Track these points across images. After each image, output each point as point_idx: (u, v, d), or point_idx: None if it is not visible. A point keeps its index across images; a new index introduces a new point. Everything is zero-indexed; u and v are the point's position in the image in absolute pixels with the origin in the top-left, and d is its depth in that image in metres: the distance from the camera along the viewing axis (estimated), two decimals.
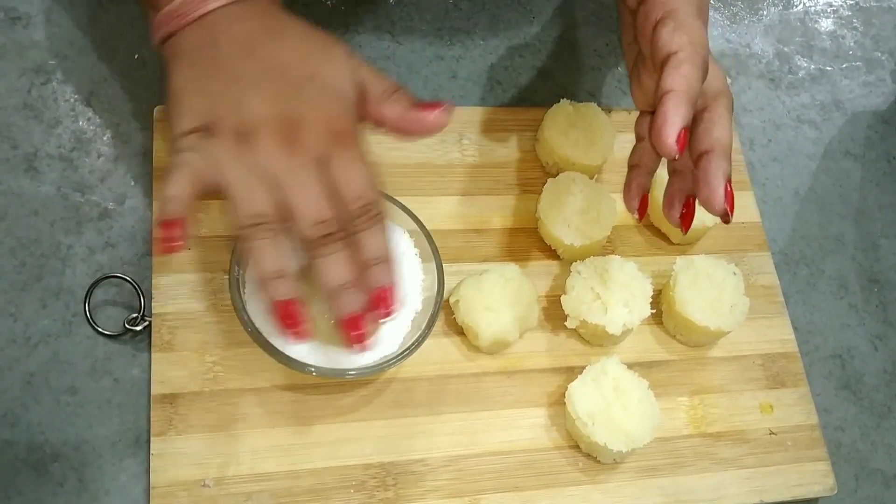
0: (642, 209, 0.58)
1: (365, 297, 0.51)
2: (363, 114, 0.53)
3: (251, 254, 0.50)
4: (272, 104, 0.49)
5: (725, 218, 0.52)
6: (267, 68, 0.50)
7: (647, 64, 0.54)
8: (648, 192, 0.57)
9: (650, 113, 0.53)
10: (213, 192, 0.50)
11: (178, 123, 0.51)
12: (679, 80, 0.49)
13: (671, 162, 0.56)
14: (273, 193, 0.49)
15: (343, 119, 0.51)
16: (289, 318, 0.51)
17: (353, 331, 0.52)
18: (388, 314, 0.52)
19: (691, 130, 0.51)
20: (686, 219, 0.56)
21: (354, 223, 0.50)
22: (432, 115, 0.53)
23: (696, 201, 0.54)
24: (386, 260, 0.52)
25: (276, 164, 0.49)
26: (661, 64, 0.50)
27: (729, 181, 0.52)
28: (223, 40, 0.51)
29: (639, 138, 0.57)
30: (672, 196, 0.56)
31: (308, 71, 0.51)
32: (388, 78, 0.53)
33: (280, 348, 0.54)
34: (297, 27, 0.53)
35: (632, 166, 0.58)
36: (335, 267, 0.50)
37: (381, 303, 0.52)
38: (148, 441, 0.55)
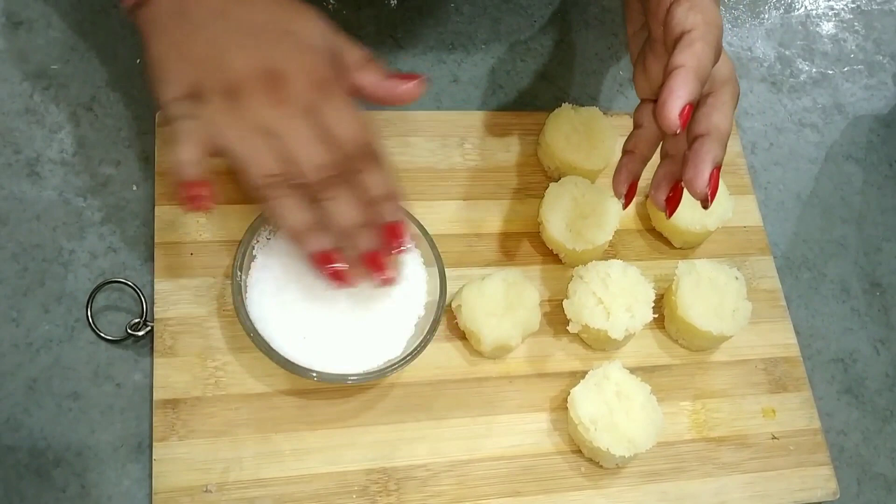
0: (629, 196, 0.57)
1: (377, 235, 0.53)
2: (340, 79, 0.53)
3: (275, 212, 0.51)
4: (253, 60, 0.50)
5: (705, 203, 0.51)
6: (241, 28, 0.51)
7: (655, 49, 0.54)
8: (637, 180, 0.57)
9: (652, 101, 0.53)
10: (218, 154, 0.51)
11: (164, 91, 0.51)
12: (690, 57, 0.49)
13: (665, 145, 0.56)
14: (274, 146, 0.50)
15: (323, 68, 0.51)
16: (329, 265, 0.52)
17: (374, 268, 0.53)
18: (400, 247, 0.53)
19: (692, 112, 0.51)
20: (672, 203, 0.55)
21: (353, 164, 0.51)
22: (409, 84, 0.54)
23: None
24: (390, 196, 0.53)
25: (268, 117, 0.50)
26: (673, 42, 0.50)
27: (717, 168, 0.51)
28: (192, 7, 0.51)
29: (637, 125, 0.57)
30: (660, 179, 0.55)
31: (282, 27, 0.52)
32: (361, 47, 0.54)
33: (282, 353, 0.54)
34: None
35: (626, 151, 0.57)
36: (344, 208, 0.51)
37: (392, 237, 0.53)
38: (150, 446, 0.55)
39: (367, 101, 0.54)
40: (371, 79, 0.54)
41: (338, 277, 0.53)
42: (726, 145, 0.52)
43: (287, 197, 0.51)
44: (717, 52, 0.51)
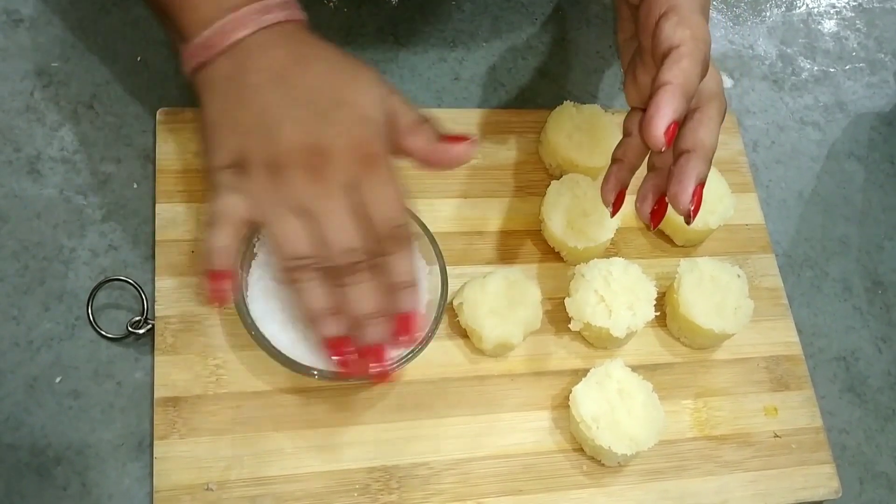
0: (617, 204, 0.57)
1: (389, 327, 0.52)
2: (391, 143, 0.52)
3: (298, 294, 0.51)
4: (300, 134, 0.49)
5: (688, 219, 0.51)
6: (295, 97, 0.50)
7: (645, 59, 0.54)
8: (626, 188, 0.56)
9: (642, 110, 0.52)
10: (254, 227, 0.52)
11: (212, 158, 0.51)
12: (677, 74, 0.49)
13: (652, 158, 0.55)
14: (308, 227, 0.50)
15: (371, 143, 0.50)
16: (340, 353, 0.52)
17: (375, 361, 0.53)
18: (410, 340, 0.54)
19: (679, 127, 0.51)
20: (656, 216, 0.55)
21: (383, 245, 0.51)
22: (459, 148, 0.53)
23: None
24: (412, 285, 0.52)
25: (305, 195, 0.49)
26: (661, 57, 0.50)
27: (701, 185, 0.51)
28: (251, 71, 0.51)
29: (626, 133, 0.56)
30: (646, 191, 0.55)
31: (337, 96, 0.51)
32: (416, 108, 0.54)
33: (283, 351, 0.54)
34: (326, 52, 0.53)
35: (615, 159, 0.57)
36: (363, 297, 0.51)
37: (404, 327, 0.53)
38: (151, 445, 0.55)
39: (417, 163, 0.53)
40: (422, 143, 0.53)
41: (344, 365, 0.52)
42: (711, 161, 0.52)
43: (311, 280, 0.50)
44: (704, 69, 0.51)
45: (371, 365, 0.53)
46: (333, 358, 0.52)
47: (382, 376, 0.54)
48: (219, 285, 0.51)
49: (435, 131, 0.53)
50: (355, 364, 0.52)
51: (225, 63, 0.51)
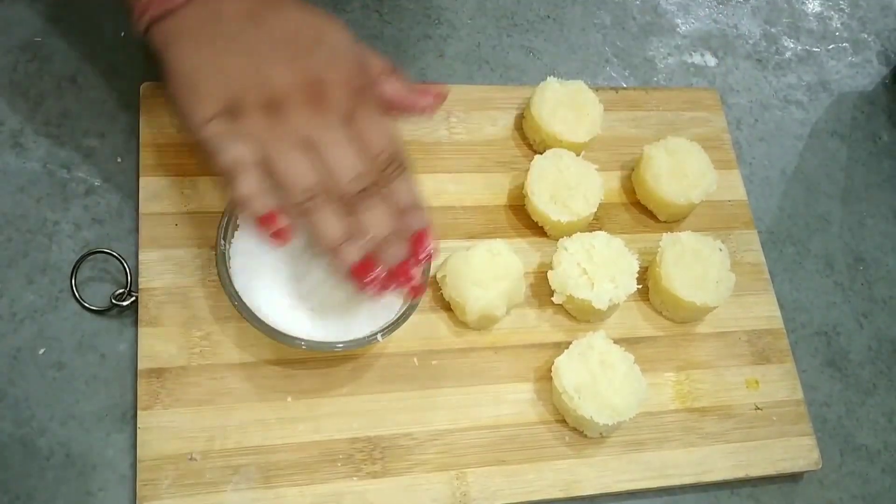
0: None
1: (406, 245, 0.53)
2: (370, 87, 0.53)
3: (313, 228, 0.51)
4: (293, 71, 0.50)
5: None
6: (277, 37, 0.51)
7: None
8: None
9: None
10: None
11: (197, 111, 0.50)
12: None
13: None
14: (313, 159, 0.50)
15: (360, 76, 0.52)
16: (367, 274, 0.52)
17: (404, 279, 0.53)
18: (427, 256, 0.54)
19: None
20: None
21: (384, 174, 0.52)
22: (430, 97, 0.56)
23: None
24: (418, 205, 0.53)
25: (307, 129, 0.50)
26: None
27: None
28: (226, 16, 0.50)
29: None
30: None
31: (314, 34, 0.51)
32: (383, 58, 0.55)
33: (269, 322, 0.54)
34: None
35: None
36: (378, 220, 0.51)
37: (420, 245, 0.53)
38: (135, 416, 0.55)
39: (388, 109, 0.54)
40: (395, 88, 0.55)
41: (376, 286, 0.52)
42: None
43: (326, 211, 0.51)
44: None
45: (404, 283, 0.53)
46: (365, 283, 0.52)
47: (418, 290, 0.55)
48: (274, 226, 0.51)
49: (405, 79, 0.55)
50: (385, 282, 0.53)
51: (193, 12, 0.50)
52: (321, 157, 0.50)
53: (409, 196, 0.53)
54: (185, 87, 0.51)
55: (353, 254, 0.51)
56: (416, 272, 0.54)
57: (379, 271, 0.52)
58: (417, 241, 0.53)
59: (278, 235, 0.51)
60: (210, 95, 0.50)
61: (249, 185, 0.50)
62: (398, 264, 0.53)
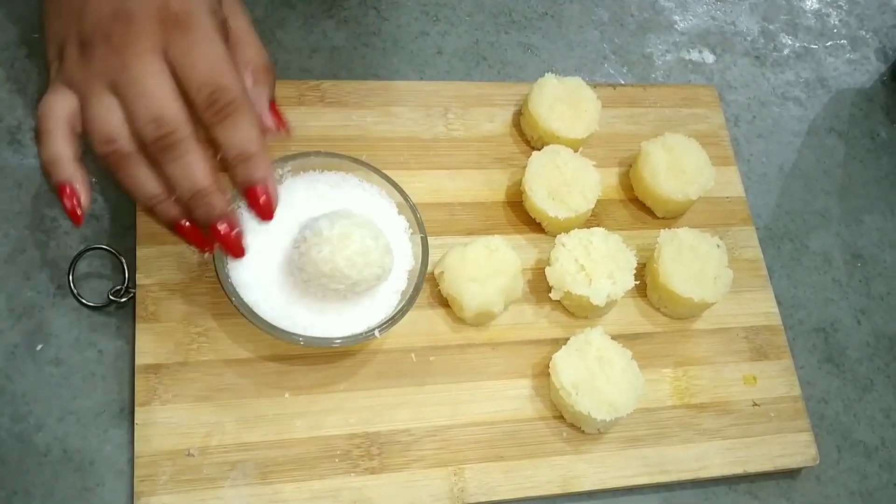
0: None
1: (225, 200, 0.47)
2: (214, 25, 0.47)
3: (123, 184, 0.46)
4: (106, 4, 0.45)
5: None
6: None
7: None
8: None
9: None
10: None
11: (47, 54, 0.48)
12: None
13: None
14: (117, 106, 0.45)
15: (178, 2, 0.45)
16: (194, 237, 0.48)
17: (226, 244, 0.49)
18: (267, 215, 0.48)
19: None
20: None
21: (204, 119, 0.46)
22: (275, 122, 0.51)
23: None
24: (251, 154, 0.47)
25: (109, 68, 0.45)
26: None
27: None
28: None
29: None
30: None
31: None
32: (259, 42, 0.50)
33: (267, 318, 0.54)
34: None
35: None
36: (185, 173, 0.46)
37: (255, 201, 0.48)
38: (132, 412, 0.55)
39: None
40: (253, 92, 0.49)
41: (206, 248, 0.49)
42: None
43: (131, 167, 0.46)
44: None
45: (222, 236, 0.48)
46: (195, 245, 0.49)
47: (233, 247, 0.49)
48: (72, 200, 0.46)
49: (270, 91, 0.50)
50: (202, 239, 0.49)
51: None
52: (125, 101, 0.45)
53: (237, 144, 0.46)
54: (42, 30, 0.49)
55: (167, 211, 0.47)
56: (237, 231, 0.49)
57: (225, 230, 0.47)
58: (252, 195, 0.48)
59: (73, 215, 0.46)
60: (51, 39, 0.48)
61: (51, 147, 0.46)
62: (215, 230, 0.48)
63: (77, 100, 0.46)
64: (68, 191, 0.47)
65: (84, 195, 0.47)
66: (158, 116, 0.45)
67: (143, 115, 0.45)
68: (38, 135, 0.46)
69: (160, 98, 0.45)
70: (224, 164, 0.47)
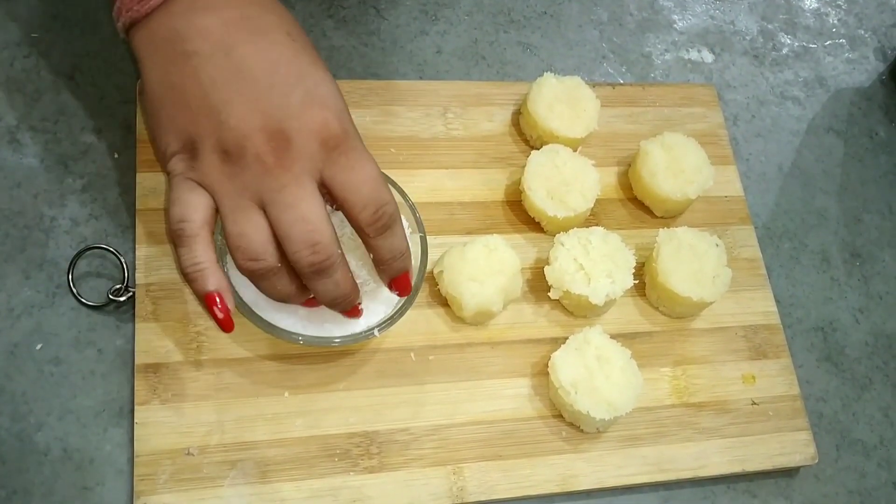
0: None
1: (357, 296, 0.52)
2: (352, 136, 0.48)
3: (261, 289, 0.49)
4: (256, 115, 0.44)
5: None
6: (247, 72, 0.44)
7: None
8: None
9: None
10: None
11: (161, 143, 0.46)
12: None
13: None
14: (265, 227, 0.46)
15: (337, 122, 0.45)
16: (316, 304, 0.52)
17: (352, 315, 0.54)
18: (406, 292, 0.54)
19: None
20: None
21: (366, 231, 0.47)
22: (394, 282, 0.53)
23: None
24: (403, 251, 0.51)
25: (263, 187, 0.44)
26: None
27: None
28: (194, 35, 0.44)
29: None
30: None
31: (295, 71, 0.45)
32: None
33: (266, 317, 0.54)
34: (282, 18, 0.47)
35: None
36: (330, 291, 0.49)
37: (403, 286, 0.53)
38: (132, 411, 0.55)
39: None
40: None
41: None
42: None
43: (275, 279, 0.47)
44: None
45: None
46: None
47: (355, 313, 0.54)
48: (222, 306, 0.46)
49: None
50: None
51: (161, 21, 0.45)
52: (277, 222, 0.45)
53: (395, 249, 0.49)
54: (151, 113, 0.47)
55: (300, 300, 0.51)
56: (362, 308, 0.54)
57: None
58: (397, 284, 0.53)
59: (225, 322, 0.48)
60: (172, 129, 0.46)
61: (194, 255, 0.46)
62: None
63: (212, 200, 0.46)
64: (218, 301, 0.47)
65: (231, 302, 0.48)
66: (315, 243, 0.45)
67: (298, 241, 0.45)
68: (179, 238, 0.46)
69: (316, 223, 0.45)
70: (376, 262, 0.51)
